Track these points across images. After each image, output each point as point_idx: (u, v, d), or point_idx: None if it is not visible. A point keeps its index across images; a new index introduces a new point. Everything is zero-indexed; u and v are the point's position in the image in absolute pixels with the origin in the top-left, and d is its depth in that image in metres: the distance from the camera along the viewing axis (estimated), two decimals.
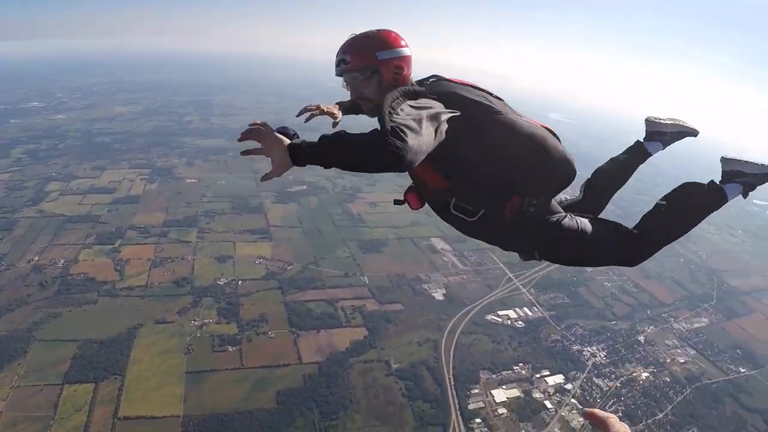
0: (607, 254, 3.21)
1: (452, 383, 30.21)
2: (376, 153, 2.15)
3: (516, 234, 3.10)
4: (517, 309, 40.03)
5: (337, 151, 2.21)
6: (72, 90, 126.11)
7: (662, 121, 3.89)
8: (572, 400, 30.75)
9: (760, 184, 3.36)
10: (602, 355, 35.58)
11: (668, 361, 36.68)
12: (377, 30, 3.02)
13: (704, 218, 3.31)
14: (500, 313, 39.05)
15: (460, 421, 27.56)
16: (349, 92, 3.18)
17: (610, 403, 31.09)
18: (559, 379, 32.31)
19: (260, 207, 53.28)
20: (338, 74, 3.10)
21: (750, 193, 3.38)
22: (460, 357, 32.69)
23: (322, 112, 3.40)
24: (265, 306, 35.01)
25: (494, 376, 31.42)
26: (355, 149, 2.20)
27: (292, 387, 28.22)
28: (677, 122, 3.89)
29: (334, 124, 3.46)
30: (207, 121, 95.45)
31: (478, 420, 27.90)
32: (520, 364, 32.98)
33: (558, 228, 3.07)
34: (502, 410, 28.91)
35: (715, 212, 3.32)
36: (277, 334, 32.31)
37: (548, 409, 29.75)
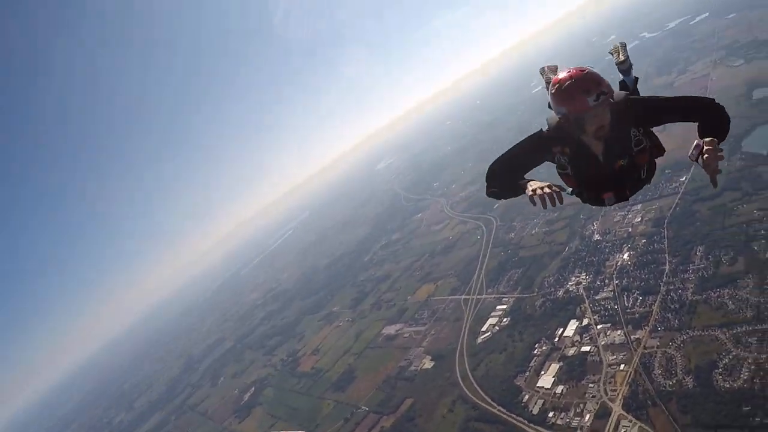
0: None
1: (501, 409, 30.69)
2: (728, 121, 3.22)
3: (650, 170, 3.80)
4: (493, 313, 41.32)
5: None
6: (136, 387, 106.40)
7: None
8: (598, 326, 31.82)
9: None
10: (584, 277, 37.58)
11: (630, 230, 39.30)
12: (584, 66, 3.16)
13: None
14: (484, 328, 40.13)
15: (539, 429, 27.55)
16: (592, 130, 3.18)
17: (625, 297, 32.60)
18: (573, 324, 33.57)
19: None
20: (586, 115, 3.06)
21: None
22: (488, 388, 33.21)
23: (551, 191, 3.06)
24: None
25: (527, 372, 32.27)
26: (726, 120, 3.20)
27: None
28: None
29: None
30: (217, 379, 76.93)
31: (550, 414, 28.13)
32: (536, 345, 34.02)
33: None
34: (559, 388, 29.38)
35: None
36: None
37: (589, 352, 30.54)
